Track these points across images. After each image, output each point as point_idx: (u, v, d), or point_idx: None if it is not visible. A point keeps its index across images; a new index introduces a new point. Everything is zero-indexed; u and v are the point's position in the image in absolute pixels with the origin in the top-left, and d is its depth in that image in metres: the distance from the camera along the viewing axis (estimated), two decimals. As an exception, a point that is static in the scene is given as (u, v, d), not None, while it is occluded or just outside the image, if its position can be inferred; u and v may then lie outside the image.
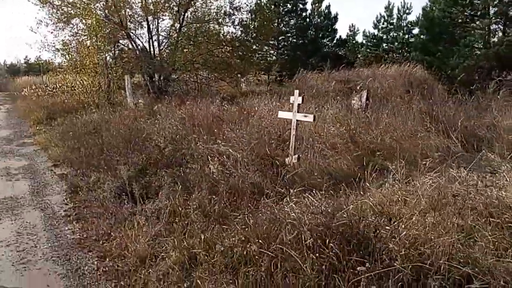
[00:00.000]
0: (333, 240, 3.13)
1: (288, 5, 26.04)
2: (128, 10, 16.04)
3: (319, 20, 28.12)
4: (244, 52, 18.87)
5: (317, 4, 27.72)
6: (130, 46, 17.08)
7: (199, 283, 3.35)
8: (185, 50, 16.84)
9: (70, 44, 16.07)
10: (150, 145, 6.44)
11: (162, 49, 17.21)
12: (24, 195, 6.28)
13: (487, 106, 8.86)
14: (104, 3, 15.52)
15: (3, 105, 20.90)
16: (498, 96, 9.78)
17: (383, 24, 29.57)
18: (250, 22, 19.24)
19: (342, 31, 60.36)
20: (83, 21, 15.54)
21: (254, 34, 19.43)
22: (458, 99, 8.59)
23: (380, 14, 29.05)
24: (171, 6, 16.19)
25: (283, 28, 26.22)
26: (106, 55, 15.65)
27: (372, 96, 9.76)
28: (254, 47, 20.43)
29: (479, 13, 14.68)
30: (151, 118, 8.70)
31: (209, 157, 5.46)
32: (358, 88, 10.26)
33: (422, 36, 26.68)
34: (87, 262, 4.13)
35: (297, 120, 5.53)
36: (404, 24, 29.03)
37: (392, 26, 29.36)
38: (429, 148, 6.54)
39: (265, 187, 4.79)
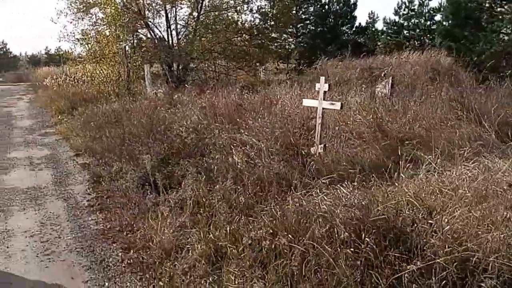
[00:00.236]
0: (369, 235, 2.95)
1: (307, -8, 25.56)
2: (146, -2, 15.96)
3: (338, 7, 27.54)
4: (262, 40, 18.63)
5: (336, -9, 27.15)
6: (149, 36, 17.06)
7: (227, 278, 3.23)
8: (203, 39, 16.69)
9: (90, 34, 16.12)
10: (171, 135, 6.33)
11: (180, 38, 17.10)
12: (47, 185, 6.27)
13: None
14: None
15: (26, 95, 21.17)
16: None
17: (404, 10, 28.86)
18: (269, 10, 18.95)
19: (361, 18, 59.29)
20: (102, 10, 15.56)
21: (273, 22, 19.14)
22: (488, 86, 8.22)
23: (401, 1, 28.34)
24: (190, -7, 16.02)
25: (302, 15, 25.77)
26: (125, 44, 15.60)
27: (398, 83, 9.44)
28: (273, 35, 20.16)
29: (508, -4, 14.03)
30: (172, 108, 8.60)
31: (232, 146, 5.32)
32: (382, 75, 9.95)
33: (445, 22, 26.06)
34: (111, 253, 4.06)
35: (323, 108, 5.33)
36: (426, 11, 28.31)
37: (413, 13, 28.65)
38: (461, 137, 6.28)
39: (291, 178, 4.63)
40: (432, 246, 2.81)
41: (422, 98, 7.71)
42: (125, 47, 15.26)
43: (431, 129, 6.45)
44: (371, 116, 6.32)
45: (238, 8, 17.42)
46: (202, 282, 3.31)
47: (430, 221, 2.97)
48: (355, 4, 27.78)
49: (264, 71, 21.13)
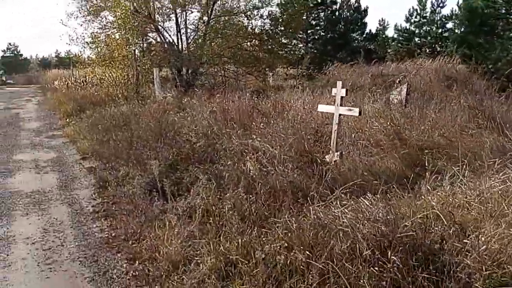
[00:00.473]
0: (395, 253, 2.70)
1: (318, -2, 25.36)
2: (156, 2, 15.86)
3: (348, 13, 27.34)
4: (272, 45, 18.45)
5: (346, -3, 26.95)
6: (158, 39, 16.91)
7: (239, 295, 2.99)
8: (213, 43, 16.55)
9: (99, 37, 16.04)
10: (180, 140, 6.12)
11: (190, 42, 16.97)
12: (52, 189, 6.09)
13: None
14: (134, -5, 15.37)
15: (34, 97, 21.17)
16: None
17: (415, 17, 28.63)
18: (279, 15, 18.78)
19: (372, 25, 59.02)
20: (113, 13, 15.48)
21: (283, 27, 18.96)
22: (510, 94, 7.94)
23: (413, 8, 28.12)
24: (200, -2, 15.90)
25: (312, 21, 25.59)
26: (135, 48, 15.50)
27: (413, 90, 9.18)
28: (283, 40, 19.97)
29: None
30: (181, 112, 8.41)
31: (243, 153, 5.09)
32: (397, 82, 9.69)
33: (457, 30, 25.74)
34: (115, 264, 3.84)
35: (340, 114, 5.09)
36: (438, 18, 28.04)
37: (425, 20, 28.40)
38: (483, 146, 6.00)
39: (306, 187, 4.39)
40: (466, 267, 2.55)
41: (441, 105, 7.44)
42: (134, 50, 15.16)
43: (451, 137, 6.19)
44: (388, 123, 6.06)
45: (249, 13, 17.27)
46: (212, 299, 3.08)
47: (465, 240, 2.70)
48: (365, 11, 27.57)
49: (273, 76, 20.94)
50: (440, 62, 16.52)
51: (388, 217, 2.95)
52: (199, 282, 3.28)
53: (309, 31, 25.51)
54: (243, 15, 17.34)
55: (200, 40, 16.71)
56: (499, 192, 3.66)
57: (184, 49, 16.56)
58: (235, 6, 17.15)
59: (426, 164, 5.50)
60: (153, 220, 4.48)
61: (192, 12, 16.80)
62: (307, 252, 3.01)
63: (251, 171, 4.50)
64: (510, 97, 7.73)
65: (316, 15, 25.96)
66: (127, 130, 7.90)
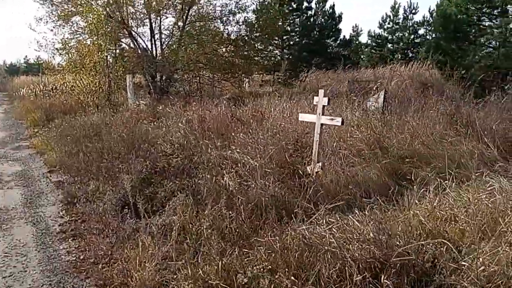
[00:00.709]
0: (388, 276, 2.52)
1: (293, 4, 25.39)
2: (130, 7, 15.46)
3: (323, 19, 27.54)
4: (248, 51, 18.31)
5: (321, 4, 27.10)
6: (132, 45, 16.51)
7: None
8: (188, 49, 16.26)
9: (70, 43, 15.49)
10: (155, 151, 5.82)
11: (164, 48, 16.63)
12: (15, 206, 5.68)
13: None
14: (106, 0, 14.93)
15: (1, 106, 20.29)
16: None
17: (388, 24, 29.16)
18: (255, 21, 18.67)
19: (346, 31, 59.72)
20: (84, 18, 14.99)
21: (258, 33, 18.85)
22: (487, 101, 7.97)
23: (386, 14, 28.64)
24: (175, 3, 15.59)
25: (288, 27, 25.61)
26: (107, 54, 15.03)
27: (390, 97, 9.13)
28: (259, 46, 19.86)
29: (495, 11, 14.04)
30: (155, 121, 8.09)
31: (222, 165, 4.85)
32: (375, 88, 9.64)
33: (429, 36, 26.25)
34: (83, 292, 3.52)
35: (321, 124, 4.91)
36: (410, 24, 28.62)
37: (398, 26, 28.93)
38: (462, 154, 5.95)
39: (288, 202, 4.18)
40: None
41: (419, 112, 7.39)
42: (107, 56, 14.70)
43: (431, 145, 6.12)
44: (369, 132, 5.94)
45: (224, 18, 17.09)
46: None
47: (462, 262, 2.54)
48: (340, 17, 27.80)
49: (249, 82, 20.78)
50: (415, 68, 16.77)
51: (379, 237, 2.77)
52: (176, 312, 3.02)
53: (284, 37, 25.49)
54: (218, 20, 17.17)
55: (174, 45, 16.40)
56: (487, 204, 3.54)
57: (158, 55, 16.22)
58: (210, 11, 16.96)
59: (408, 174, 5.43)
60: (125, 240, 4.18)
61: (166, 18, 16.54)
62: (292, 278, 2.79)
63: (231, 186, 4.26)
64: (487, 104, 7.75)
65: (291, 21, 25.99)
66: (97, 140, 7.52)
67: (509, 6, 13.19)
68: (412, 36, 28.78)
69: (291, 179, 4.65)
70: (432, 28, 24.18)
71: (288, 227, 3.50)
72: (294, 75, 21.50)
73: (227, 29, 17.49)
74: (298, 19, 26.39)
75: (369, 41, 29.74)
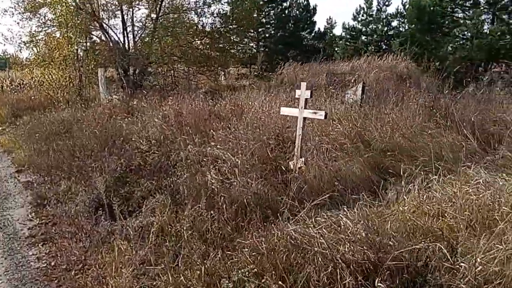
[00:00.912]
0: (382, 280, 2.39)
1: (268, -5, 25.19)
2: (101, -2, 14.94)
3: (297, 12, 27.45)
4: (224, 44, 18.04)
5: (296, -5, 26.99)
6: (103, 38, 15.99)
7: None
8: (162, 42, 15.85)
9: (38, 36, 14.85)
10: (130, 148, 5.55)
11: (137, 41, 16.19)
12: (-20, 210, 5.32)
13: (489, 100, 8.35)
14: (76, -9, 14.36)
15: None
16: (498, 88, 9.31)
17: (362, 16, 29.25)
18: (230, 13, 18.39)
19: (320, 24, 59.86)
20: (52, 10, 14.37)
21: (234, 26, 18.58)
22: (465, 92, 8.02)
23: (360, 6, 28.71)
24: (148, -6, 15.15)
25: (263, 19, 25.39)
26: (77, 47, 14.48)
27: (368, 90, 9.09)
28: (234, 38, 19.60)
29: (467, 3, 14.24)
30: (129, 116, 7.78)
31: (201, 163, 4.65)
32: (352, 81, 9.57)
33: (403, 28, 26.53)
34: (55, 303, 3.28)
35: (304, 118, 4.77)
36: (384, 17, 28.79)
37: (371, 18, 29.05)
38: (443, 146, 5.93)
39: (271, 200, 4.03)
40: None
41: (398, 105, 7.35)
42: (77, 50, 14.17)
43: (412, 138, 6.08)
44: (350, 125, 5.84)
45: (199, 10, 16.75)
46: None
47: (463, 264, 2.43)
48: (314, 9, 27.79)
49: (225, 76, 20.51)
50: (390, 60, 16.86)
51: (369, 236, 2.64)
52: (156, 322, 2.83)
53: (260, 30, 25.29)
54: (193, 12, 16.83)
55: (148, 38, 15.98)
56: (474, 199, 3.47)
57: (131, 47, 15.76)
58: (184, 3, 16.60)
59: (390, 168, 5.36)
60: (100, 244, 3.95)
61: (139, 9, 16.14)
62: (280, 282, 2.64)
63: (212, 184, 4.07)
64: (465, 95, 7.78)
65: (266, 13, 25.79)
66: (68, 138, 7.18)
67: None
68: (385, 28, 28.93)
69: (273, 175, 4.49)
70: (406, 20, 24.41)
71: (273, 226, 3.35)
72: (270, 68, 21.35)
73: (202, 21, 17.21)
74: (273, 11, 26.23)
75: (343, 34, 29.78)
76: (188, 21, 16.66)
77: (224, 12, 17.94)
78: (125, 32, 15.59)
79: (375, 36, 29.04)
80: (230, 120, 6.04)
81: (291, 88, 8.74)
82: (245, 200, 3.78)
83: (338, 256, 2.53)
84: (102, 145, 6.10)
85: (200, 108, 6.43)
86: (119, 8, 15.25)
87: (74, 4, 14.09)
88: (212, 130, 5.50)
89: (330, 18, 34.19)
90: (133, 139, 6.07)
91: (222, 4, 17.36)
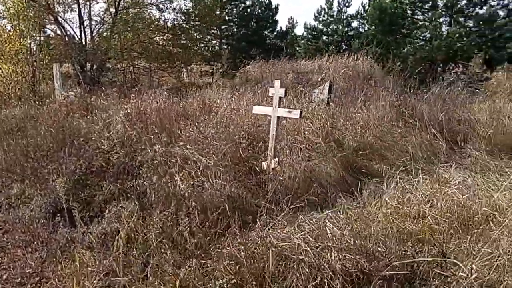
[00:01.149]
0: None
1: (231, -8, 24.93)
2: (56, -9, 14.17)
3: (260, 10, 27.36)
4: (186, 40, 17.64)
5: (258, -7, 26.87)
6: (59, 32, 15.20)
7: None
8: (121, 37, 15.27)
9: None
10: (90, 149, 5.16)
11: (95, 35, 15.51)
12: None
13: (453, 100, 8.53)
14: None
15: None
16: (459, 89, 9.56)
17: (323, 16, 29.55)
18: (192, 9, 18.01)
19: (283, 23, 60.08)
20: (2, 1, 13.48)
21: (197, 22, 18.21)
22: (432, 92, 8.13)
23: (321, 7, 29.00)
24: (106, -13, 14.53)
25: (226, 16, 25.09)
26: (30, 41, 13.65)
27: (335, 89, 9.07)
28: (196, 35, 19.21)
29: (427, 5, 14.61)
30: (88, 114, 7.31)
31: (169, 164, 4.36)
32: (319, 79, 9.53)
33: (362, 29, 27.06)
34: (8, 322, 2.93)
35: (278, 117, 4.59)
36: (344, 17, 29.22)
37: (332, 19, 29.40)
38: (412, 145, 5.95)
39: (246, 202, 3.83)
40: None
41: (366, 104, 7.34)
42: (30, 44, 13.36)
43: (382, 137, 6.07)
44: (322, 124, 5.74)
45: (161, 6, 16.26)
46: None
47: (450, 266, 2.33)
48: (276, 8, 27.80)
49: (188, 73, 20.09)
50: (352, 60, 17.06)
51: (357, 242, 2.49)
52: None
53: (222, 27, 24.98)
54: (154, 7, 16.33)
55: (107, 33, 15.35)
56: (454, 200, 3.43)
57: (88, 42, 15.07)
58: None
59: (363, 167, 5.31)
60: (58, 254, 3.60)
61: (97, 3, 15.52)
62: (261, 290, 2.45)
63: (183, 188, 3.80)
64: (431, 95, 7.88)
65: (229, 10, 25.51)
66: (21, 137, 6.62)
67: (439, 0, 13.76)
68: (346, 29, 29.37)
69: (247, 177, 4.29)
70: (366, 21, 24.88)
71: (251, 232, 3.15)
72: (233, 66, 21.12)
73: (164, 16, 16.73)
74: (235, 9, 25.99)
75: (305, 33, 30.02)
76: (149, 16, 16.15)
77: (186, 8, 17.56)
78: (82, 26, 14.92)
79: (335, 36, 29.43)
80: (197, 118, 5.77)
81: (258, 87, 8.58)
82: (219, 204, 3.55)
83: (326, 264, 2.35)
84: (59, 145, 5.65)
85: (165, 106, 6.12)
86: (75, 1, 14.54)
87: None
88: (179, 129, 5.22)
89: (291, 18, 34.39)
90: (93, 138, 5.67)
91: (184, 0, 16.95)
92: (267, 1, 27.41)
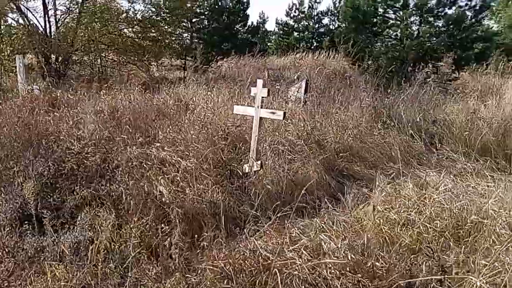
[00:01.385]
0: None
1: (202, -16, 24.42)
2: (18, -23, 13.41)
3: (231, 4, 26.99)
4: (156, 33, 17.19)
5: (229, -14, 26.46)
6: (21, 21, 14.43)
7: None
8: (88, 28, 14.67)
9: None
10: (59, 149, 4.84)
11: (60, 26, 14.83)
12: None
13: (429, 100, 8.62)
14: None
15: None
16: (432, 88, 9.67)
17: (295, 12, 29.51)
18: (162, 2, 17.56)
19: (254, 17, 59.61)
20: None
21: (168, 15, 17.77)
22: (409, 93, 8.17)
23: (292, 2, 28.96)
24: (71, -25, 13.90)
25: (197, 9, 24.61)
26: (-11, 31, 12.93)
27: (312, 87, 8.98)
28: (167, 28, 18.75)
29: (398, 4, 14.74)
30: (55, 110, 6.89)
31: (146, 166, 4.12)
32: (296, 78, 9.43)
33: (332, 26, 27.23)
34: None
35: (260, 118, 4.43)
36: (315, 14, 29.30)
37: (303, 15, 29.41)
38: (390, 146, 5.95)
39: (228, 208, 3.67)
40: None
41: (344, 104, 7.29)
42: (-11, 33, 12.64)
43: (363, 138, 6.03)
44: (302, 125, 5.63)
45: (130, -4, 15.73)
46: None
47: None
48: (248, 2, 27.50)
49: (157, 67, 19.58)
50: (323, 57, 17.12)
51: (354, 257, 2.38)
52: None
53: (194, 20, 24.49)
54: (123, -3, 15.85)
55: (73, 23, 14.71)
56: (442, 207, 3.39)
57: (53, 33, 14.39)
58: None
59: (344, 170, 5.24)
60: (27, 266, 3.33)
61: (63, -9, 14.69)
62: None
63: (161, 192, 3.59)
64: (408, 96, 7.91)
65: (200, 3, 25.00)
66: (-18, 135, 6.18)
67: (410, -1, 13.89)
68: (317, 26, 29.46)
69: (229, 181, 4.11)
70: (338, 18, 25.04)
71: (237, 241, 3.00)
72: (205, 61, 20.76)
73: (134, 7, 16.21)
74: (207, 2, 25.51)
75: (276, 29, 29.93)
76: (117, 6, 15.61)
77: (156, 0, 17.08)
78: (46, 16, 14.22)
79: (306, 32, 29.50)
80: (173, 117, 5.53)
81: (235, 83, 8.40)
82: (202, 211, 3.38)
83: (323, 283, 2.23)
84: (25, 145, 5.28)
85: (138, 103, 5.84)
86: (39, -11, 13.84)
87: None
88: (155, 129, 4.98)
89: (262, 13, 34.16)
90: (61, 137, 5.32)
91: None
92: (238, -6, 27.08)
